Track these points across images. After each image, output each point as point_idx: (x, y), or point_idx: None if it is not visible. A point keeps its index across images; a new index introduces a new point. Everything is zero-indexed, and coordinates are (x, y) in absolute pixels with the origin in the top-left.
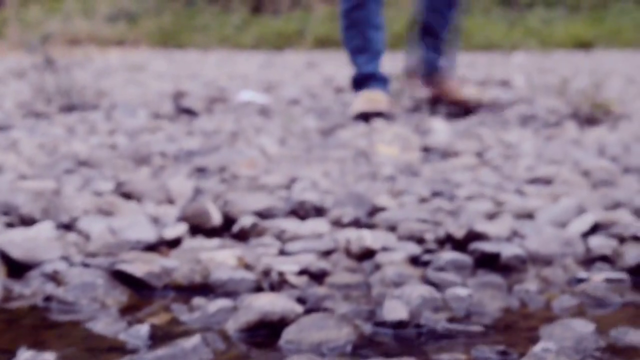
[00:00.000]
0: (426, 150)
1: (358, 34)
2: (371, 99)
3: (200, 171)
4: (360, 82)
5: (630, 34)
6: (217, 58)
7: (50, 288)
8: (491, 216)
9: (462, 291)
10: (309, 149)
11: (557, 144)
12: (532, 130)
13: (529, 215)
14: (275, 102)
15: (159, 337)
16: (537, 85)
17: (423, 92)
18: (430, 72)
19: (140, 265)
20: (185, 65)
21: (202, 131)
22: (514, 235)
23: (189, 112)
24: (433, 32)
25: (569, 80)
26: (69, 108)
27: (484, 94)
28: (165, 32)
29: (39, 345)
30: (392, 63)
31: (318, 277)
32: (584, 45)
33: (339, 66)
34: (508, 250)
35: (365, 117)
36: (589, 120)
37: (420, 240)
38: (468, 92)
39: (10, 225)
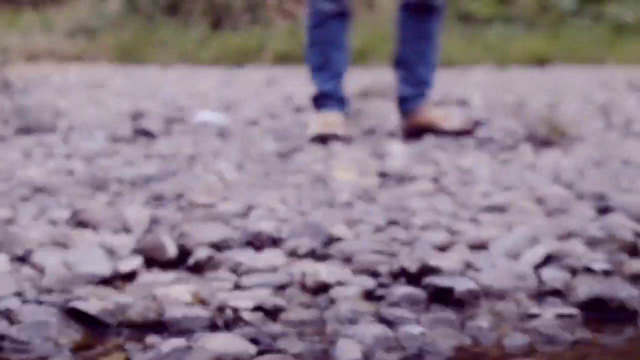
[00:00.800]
0: (383, 175)
1: (319, 52)
2: (327, 121)
3: (157, 199)
4: (319, 101)
5: (586, 51)
6: (177, 75)
7: (3, 326)
8: (445, 247)
9: (415, 329)
10: (266, 174)
11: (512, 169)
12: (488, 154)
13: (483, 246)
14: (234, 123)
15: None
16: (494, 104)
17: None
18: (403, 105)
19: (94, 302)
20: (145, 82)
21: (160, 155)
22: (468, 268)
23: (147, 134)
24: (406, 65)
25: (525, 101)
26: (26, 130)
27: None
28: (125, 48)
29: None
30: (352, 79)
31: (272, 313)
32: (541, 61)
33: (298, 84)
34: (461, 285)
35: (320, 139)
36: (544, 142)
37: (374, 274)
38: (440, 116)
39: None
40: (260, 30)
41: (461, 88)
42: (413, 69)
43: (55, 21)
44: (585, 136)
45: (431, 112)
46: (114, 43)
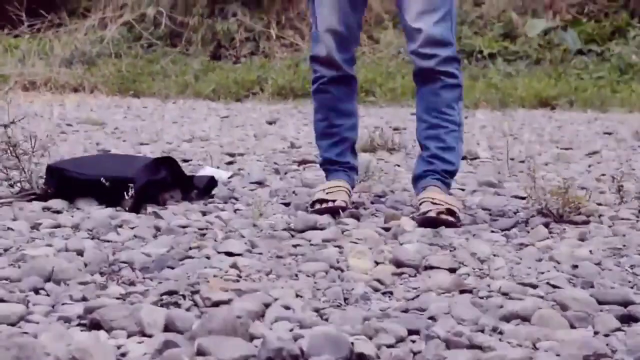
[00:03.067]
0: (398, 264)
1: (323, 117)
2: (331, 191)
3: (171, 293)
4: (325, 167)
5: (589, 93)
6: (176, 112)
7: None
8: None
9: None
10: (278, 258)
11: (529, 258)
12: (503, 235)
13: None
14: (240, 181)
15: None
16: (503, 157)
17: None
18: (414, 184)
19: None
20: (144, 118)
21: (169, 228)
22: None
23: (153, 198)
24: (420, 141)
25: (533, 154)
26: (29, 195)
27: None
28: (124, 78)
29: None
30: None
31: None
32: (545, 103)
33: (299, 126)
34: None
35: (324, 212)
36: (558, 218)
37: None
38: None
39: None
40: (260, 62)
41: (467, 135)
42: (426, 146)
43: (54, 48)
44: (600, 210)
45: (437, 204)
46: (113, 72)
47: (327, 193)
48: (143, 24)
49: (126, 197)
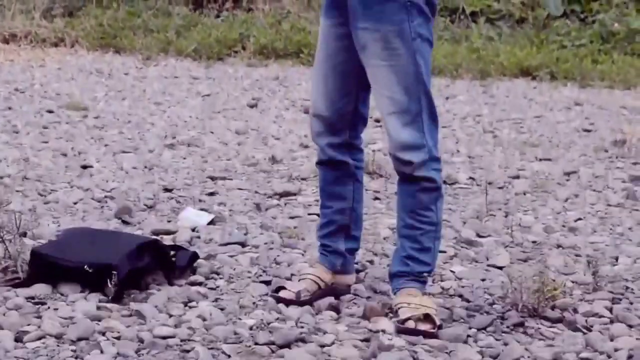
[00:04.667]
0: None
1: (319, 193)
2: (300, 277)
3: None
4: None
5: (570, 64)
6: (158, 85)
7: None
8: None
9: None
10: None
11: None
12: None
13: None
14: (221, 235)
15: None
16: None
17: None
18: (391, 282)
19: None
20: (125, 97)
21: (152, 342)
22: None
23: (136, 285)
24: (398, 239)
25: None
26: (13, 280)
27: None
28: (105, 33)
29: None
30: None
31: None
32: (527, 72)
33: (281, 111)
34: None
35: (279, 301)
36: (534, 312)
37: None
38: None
39: None
40: (243, 17)
41: (446, 130)
42: (402, 244)
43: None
44: (574, 303)
45: (414, 308)
46: (94, 26)
47: (294, 279)
48: None
49: (109, 285)
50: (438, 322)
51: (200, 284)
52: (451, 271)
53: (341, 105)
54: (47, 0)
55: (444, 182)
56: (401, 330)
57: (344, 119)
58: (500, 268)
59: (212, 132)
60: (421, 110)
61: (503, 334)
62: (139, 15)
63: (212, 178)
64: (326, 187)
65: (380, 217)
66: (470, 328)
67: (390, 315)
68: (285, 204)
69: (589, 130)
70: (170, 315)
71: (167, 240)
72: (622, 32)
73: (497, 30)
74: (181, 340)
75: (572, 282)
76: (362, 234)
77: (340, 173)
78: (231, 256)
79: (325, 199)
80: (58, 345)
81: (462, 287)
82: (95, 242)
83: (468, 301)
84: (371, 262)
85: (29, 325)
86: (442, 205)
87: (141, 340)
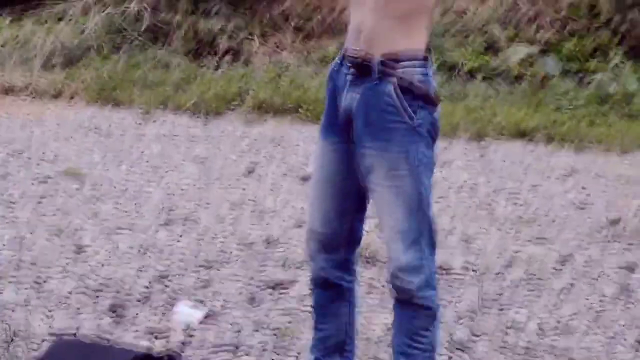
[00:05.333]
0: None
1: (313, 311)
2: None
3: None
4: None
5: (567, 127)
6: (156, 148)
7: None
8: None
9: None
10: None
11: None
12: None
13: None
14: (214, 337)
15: None
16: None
17: None
18: None
19: None
20: (122, 159)
21: None
22: None
23: None
24: (393, 353)
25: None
26: None
27: None
28: (104, 84)
29: None
30: None
31: None
32: (523, 134)
33: (277, 178)
34: None
35: None
36: None
37: None
38: None
39: None
40: (241, 72)
41: (440, 205)
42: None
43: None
44: None
45: None
46: (94, 77)
47: None
48: (126, 18)
49: None
50: None
51: None
52: None
53: (338, 224)
54: (48, 51)
55: (440, 267)
56: None
57: (340, 237)
58: None
59: (208, 204)
60: (422, 235)
61: None
62: (138, 67)
63: (207, 263)
64: (320, 309)
65: (374, 315)
66: None
67: None
68: (279, 297)
69: (583, 208)
70: None
71: (160, 342)
72: (618, 93)
73: (495, 87)
74: None
75: None
76: (356, 339)
77: (335, 295)
78: None
79: (317, 316)
80: None
81: None
82: (90, 355)
83: None
84: None
85: None
86: (438, 327)
87: None
